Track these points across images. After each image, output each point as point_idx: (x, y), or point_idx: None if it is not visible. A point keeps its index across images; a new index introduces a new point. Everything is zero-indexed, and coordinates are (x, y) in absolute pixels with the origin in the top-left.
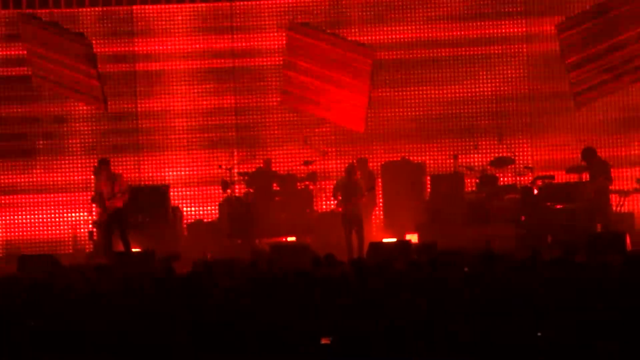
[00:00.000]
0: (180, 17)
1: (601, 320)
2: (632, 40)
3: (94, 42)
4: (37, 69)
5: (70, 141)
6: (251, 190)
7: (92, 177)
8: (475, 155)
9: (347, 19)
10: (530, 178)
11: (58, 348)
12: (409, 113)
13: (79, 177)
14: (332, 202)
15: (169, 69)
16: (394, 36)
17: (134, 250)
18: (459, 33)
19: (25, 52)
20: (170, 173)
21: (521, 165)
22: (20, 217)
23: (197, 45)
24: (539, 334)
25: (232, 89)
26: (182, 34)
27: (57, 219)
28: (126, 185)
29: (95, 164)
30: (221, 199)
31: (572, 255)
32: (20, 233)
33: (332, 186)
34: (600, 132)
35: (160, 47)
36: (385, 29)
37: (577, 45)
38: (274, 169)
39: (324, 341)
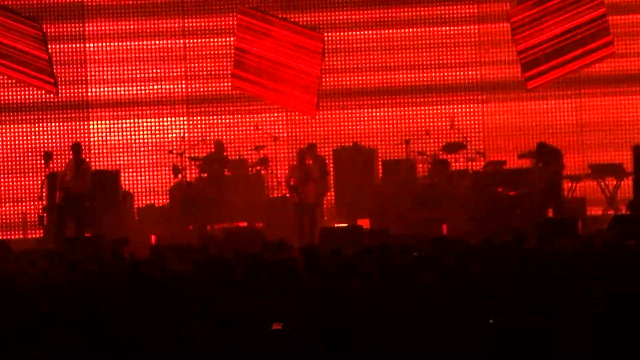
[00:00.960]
0: (130, 1)
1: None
2: (583, 24)
3: (44, 25)
4: None
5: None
6: (203, 175)
7: (42, 162)
8: (427, 141)
9: (297, 3)
10: (482, 163)
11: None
12: (361, 99)
13: (30, 162)
14: (283, 187)
15: (120, 53)
16: (344, 19)
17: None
18: (410, 15)
19: None
20: (122, 158)
21: (473, 151)
22: None
23: (148, 28)
24: (491, 320)
25: (183, 73)
26: (132, 17)
27: (6, 203)
28: (90, 174)
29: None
30: (172, 184)
31: (523, 240)
32: None
33: (283, 172)
34: (552, 118)
35: (111, 30)
36: (335, 12)
37: (528, 30)
38: (225, 154)
39: (275, 326)
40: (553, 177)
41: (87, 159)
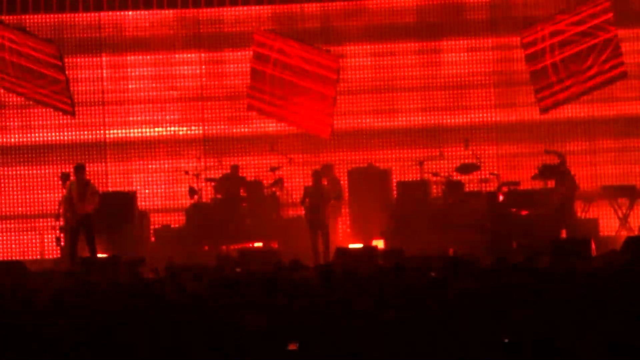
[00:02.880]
0: (147, 25)
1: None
2: (595, 45)
3: (62, 48)
4: (3, 74)
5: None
6: (219, 196)
7: (59, 182)
8: (441, 162)
9: (313, 27)
10: (495, 185)
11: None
12: (375, 120)
13: (48, 184)
14: (298, 207)
15: (137, 76)
16: (359, 44)
17: (100, 255)
18: (425, 41)
19: None
20: (138, 178)
21: (487, 172)
22: None
23: (165, 54)
24: (506, 340)
25: (199, 96)
26: (149, 42)
27: (25, 225)
28: (97, 193)
29: (63, 170)
30: (188, 205)
31: (536, 261)
32: None
33: (298, 192)
34: (565, 139)
35: (128, 55)
36: (349, 38)
37: (541, 51)
38: (240, 175)
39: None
40: (564, 197)
41: (106, 179)
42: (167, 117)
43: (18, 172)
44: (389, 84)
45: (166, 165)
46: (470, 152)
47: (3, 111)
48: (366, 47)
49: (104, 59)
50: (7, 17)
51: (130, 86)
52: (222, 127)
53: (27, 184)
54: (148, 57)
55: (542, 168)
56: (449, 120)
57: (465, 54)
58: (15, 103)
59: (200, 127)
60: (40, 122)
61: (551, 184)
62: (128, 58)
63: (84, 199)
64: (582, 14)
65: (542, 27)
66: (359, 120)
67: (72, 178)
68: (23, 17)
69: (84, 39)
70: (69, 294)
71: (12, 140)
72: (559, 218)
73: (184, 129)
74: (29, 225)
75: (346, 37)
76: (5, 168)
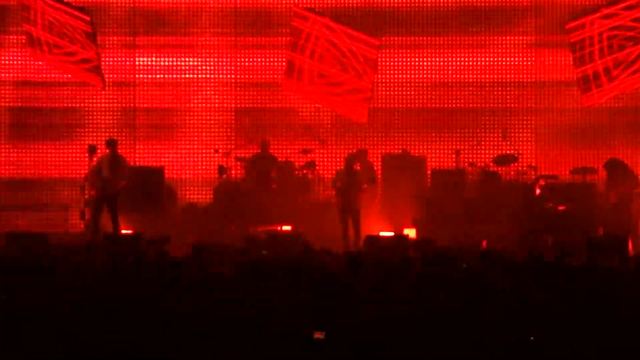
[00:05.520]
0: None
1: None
2: None
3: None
4: (35, 41)
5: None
6: (248, 176)
7: (87, 155)
8: (478, 152)
9: (354, 6)
10: (533, 177)
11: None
12: (412, 105)
13: (74, 156)
14: (329, 191)
15: (170, 51)
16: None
17: (123, 231)
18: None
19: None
20: (167, 155)
21: (525, 164)
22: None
23: (199, 31)
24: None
25: (233, 72)
26: (183, 20)
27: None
28: (128, 171)
29: (90, 143)
30: (217, 183)
31: (570, 257)
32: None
33: (330, 176)
34: (606, 134)
35: (162, 30)
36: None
37: (587, 41)
38: (272, 154)
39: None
40: (622, 194)
41: (134, 155)
42: (200, 89)
43: (45, 147)
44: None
45: (196, 142)
46: (508, 143)
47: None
48: (406, 39)
49: (136, 39)
50: None
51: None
52: (255, 105)
53: (54, 157)
54: (181, 38)
55: (608, 161)
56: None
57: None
58: (44, 79)
59: (233, 104)
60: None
61: (590, 178)
62: (161, 39)
63: (115, 174)
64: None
65: (590, 21)
66: (396, 106)
67: (98, 152)
68: None
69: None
70: (89, 272)
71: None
72: (616, 215)
73: (216, 105)
74: (53, 197)
75: (387, 25)
76: (32, 142)
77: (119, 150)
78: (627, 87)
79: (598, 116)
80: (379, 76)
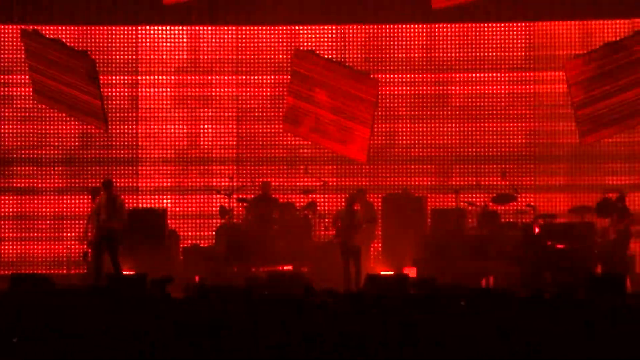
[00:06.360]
0: (184, 39)
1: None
2: None
3: (97, 60)
4: (38, 85)
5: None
6: (250, 217)
7: (89, 196)
8: (477, 192)
9: (353, 48)
10: (531, 216)
11: None
12: (412, 147)
13: (76, 198)
14: (330, 232)
15: (171, 93)
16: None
17: (126, 272)
18: (464, 73)
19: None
20: (168, 197)
21: (523, 203)
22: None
23: (201, 70)
24: None
25: (234, 116)
26: (185, 56)
27: (52, 238)
28: (125, 211)
29: (94, 185)
30: (219, 225)
31: (570, 295)
32: (16, 251)
33: (331, 216)
34: (603, 175)
35: (163, 70)
36: (390, 63)
37: (585, 84)
38: (272, 196)
39: None
40: (622, 234)
41: (135, 198)
42: (201, 135)
43: (48, 185)
44: (426, 113)
45: (198, 184)
46: (507, 183)
47: (35, 122)
48: (406, 76)
49: (139, 78)
50: (43, 28)
51: (163, 102)
52: (256, 148)
53: (56, 197)
54: (181, 78)
55: (601, 203)
56: (487, 151)
57: (504, 86)
58: (46, 115)
59: (234, 147)
60: (72, 133)
61: (589, 218)
62: (162, 78)
63: (111, 214)
64: (627, 44)
65: (587, 58)
66: (396, 147)
67: (101, 193)
68: (59, 27)
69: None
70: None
71: (43, 152)
72: (593, 252)
73: (218, 148)
74: (56, 237)
75: (385, 64)
76: (35, 180)
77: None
78: (623, 129)
79: (594, 156)
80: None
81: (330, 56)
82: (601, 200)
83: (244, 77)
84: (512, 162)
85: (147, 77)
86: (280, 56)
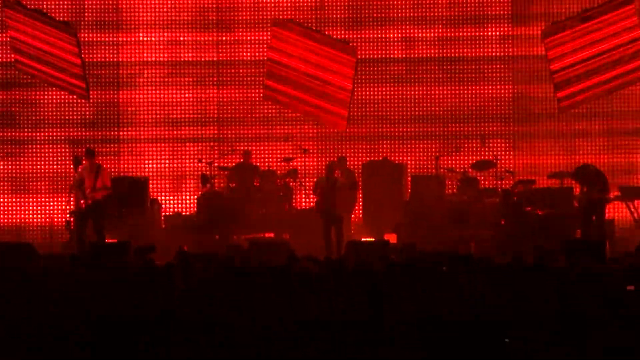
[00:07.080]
0: (165, 9)
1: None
2: (618, 47)
3: (79, 31)
4: (20, 55)
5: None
6: (231, 185)
7: (72, 166)
8: (457, 158)
9: (332, 17)
10: (511, 182)
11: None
12: (391, 113)
13: (59, 167)
14: (311, 199)
15: (153, 60)
16: (378, 35)
17: (109, 241)
18: (443, 34)
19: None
20: (151, 165)
21: (502, 169)
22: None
23: (182, 38)
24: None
25: (214, 83)
26: (166, 26)
27: (35, 207)
28: (109, 180)
29: (75, 154)
30: (200, 193)
31: (549, 261)
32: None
33: (312, 184)
34: (582, 139)
35: (145, 38)
36: (369, 28)
37: (562, 50)
38: (254, 163)
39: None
40: (597, 200)
41: (119, 166)
42: (182, 101)
43: (30, 151)
44: (408, 77)
45: (179, 152)
46: (487, 149)
47: (17, 91)
48: (388, 35)
49: (120, 38)
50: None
51: (145, 69)
52: (237, 115)
53: (39, 164)
54: (163, 38)
55: (579, 168)
56: (466, 116)
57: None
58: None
59: (215, 114)
60: (55, 102)
61: (567, 183)
62: (144, 39)
63: (94, 184)
64: (608, 14)
65: (566, 24)
66: (376, 114)
67: (83, 162)
68: None
69: (101, 22)
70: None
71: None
72: (573, 218)
73: (199, 115)
74: (39, 204)
75: (365, 25)
76: (18, 147)
77: (103, 161)
78: (599, 92)
79: (573, 121)
80: (358, 78)
81: (309, 19)
82: (580, 165)
83: (225, 38)
84: (492, 125)
85: (128, 39)
86: (260, 22)
